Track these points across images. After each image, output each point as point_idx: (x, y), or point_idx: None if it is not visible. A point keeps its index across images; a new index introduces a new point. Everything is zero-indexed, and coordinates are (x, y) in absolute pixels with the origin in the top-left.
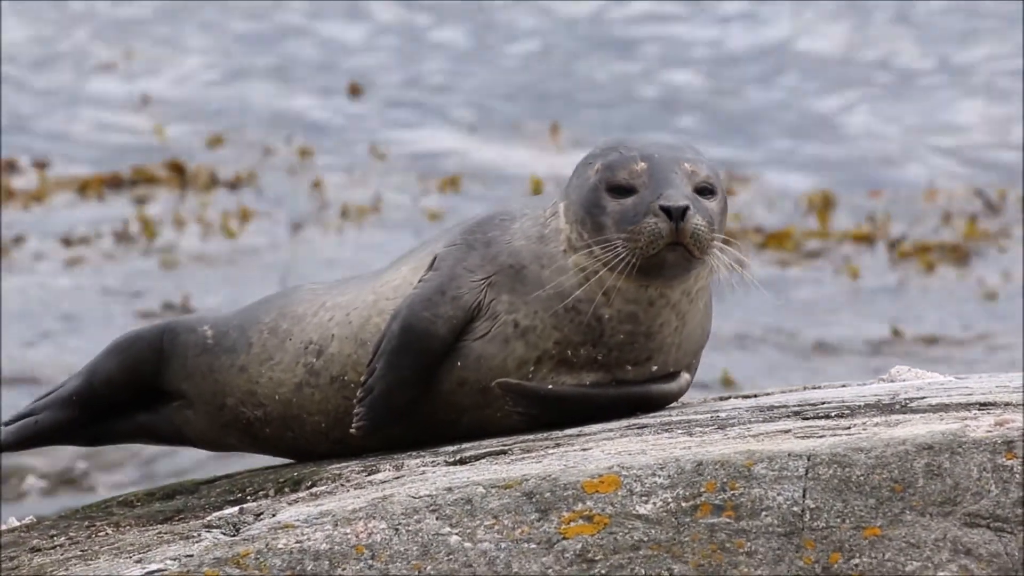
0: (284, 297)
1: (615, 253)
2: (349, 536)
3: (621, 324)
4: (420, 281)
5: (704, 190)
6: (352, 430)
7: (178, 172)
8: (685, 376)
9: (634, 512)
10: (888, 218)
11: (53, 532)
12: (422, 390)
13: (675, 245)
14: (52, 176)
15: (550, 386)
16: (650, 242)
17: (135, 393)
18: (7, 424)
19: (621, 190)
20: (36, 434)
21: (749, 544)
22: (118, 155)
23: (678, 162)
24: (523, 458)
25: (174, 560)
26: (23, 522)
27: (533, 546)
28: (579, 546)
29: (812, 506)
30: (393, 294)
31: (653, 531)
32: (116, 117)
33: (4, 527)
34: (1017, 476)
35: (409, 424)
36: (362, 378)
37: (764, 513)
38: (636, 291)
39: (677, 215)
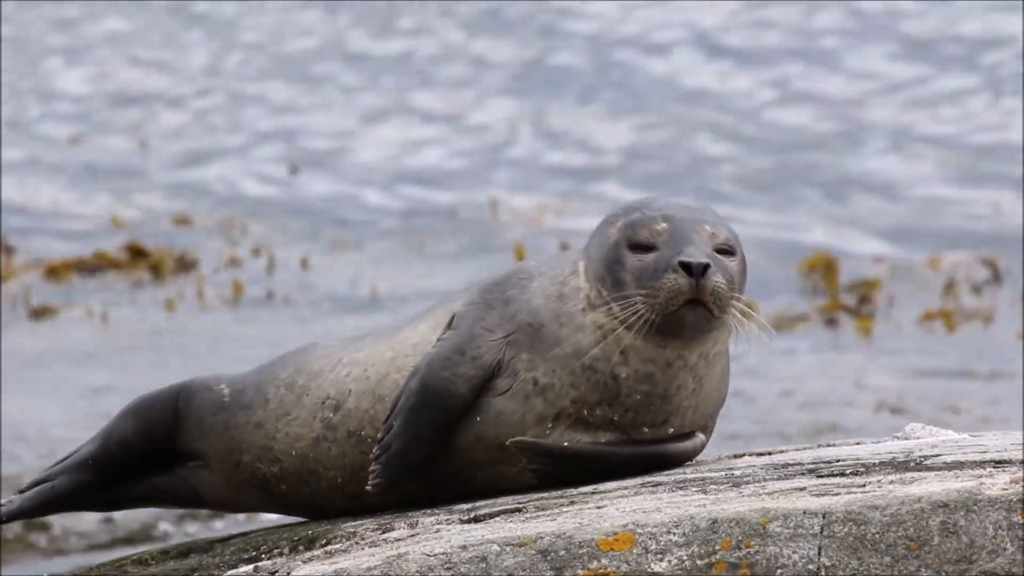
0: (300, 354)
1: (634, 310)
2: None
3: (638, 384)
4: (439, 340)
5: (724, 251)
6: (368, 487)
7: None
8: (701, 436)
9: (649, 570)
10: None
11: None
12: (439, 447)
13: (694, 304)
14: None
15: (566, 443)
16: (670, 298)
17: (151, 455)
18: (23, 491)
19: (642, 248)
20: (53, 499)
21: None
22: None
23: (699, 223)
24: (538, 516)
25: None
26: None
27: None
28: None
29: (828, 564)
30: (412, 351)
31: None
32: None
33: None
34: None
35: (425, 481)
36: (379, 435)
37: (780, 571)
38: (653, 351)
39: (698, 271)
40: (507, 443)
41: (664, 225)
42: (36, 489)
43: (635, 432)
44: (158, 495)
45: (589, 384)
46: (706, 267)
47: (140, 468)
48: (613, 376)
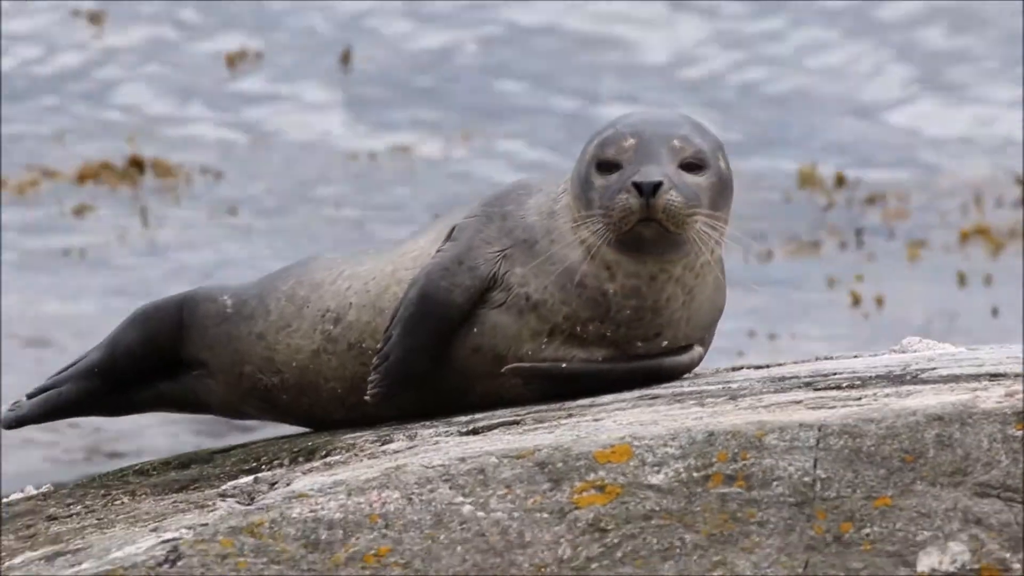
0: (302, 266)
1: (593, 229)
2: (363, 505)
3: (626, 299)
4: (438, 251)
5: (691, 166)
6: (367, 397)
7: None
8: (698, 349)
9: (646, 482)
10: None
11: (70, 501)
12: (437, 357)
13: (648, 221)
14: None
15: (563, 365)
16: (622, 217)
17: (156, 363)
18: (30, 396)
19: (609, 166)
20: (60, 406)
21: (760, 514)
22: None
23: (668, 138)
24: (536, 428)
25: (189, 529)
26: (40, 490)
27: (545, 515)
28: (591, 516)
29: (823, 476)
30: (412, 264)
31: (665, 501)
32: None
33: (21, 495)
34: None
35: (422, 392)
36: (378, 345)
37: (775, 483)
38: (635, 265)
39: (648, 191)
40: (503, 370)
41: (632, 141)
42: (43, 396)
43: (629, 347)
44: (163, 402)
45: (580, 300)
46: (657, 186)
47: (146, 375)
48: (602, 292)
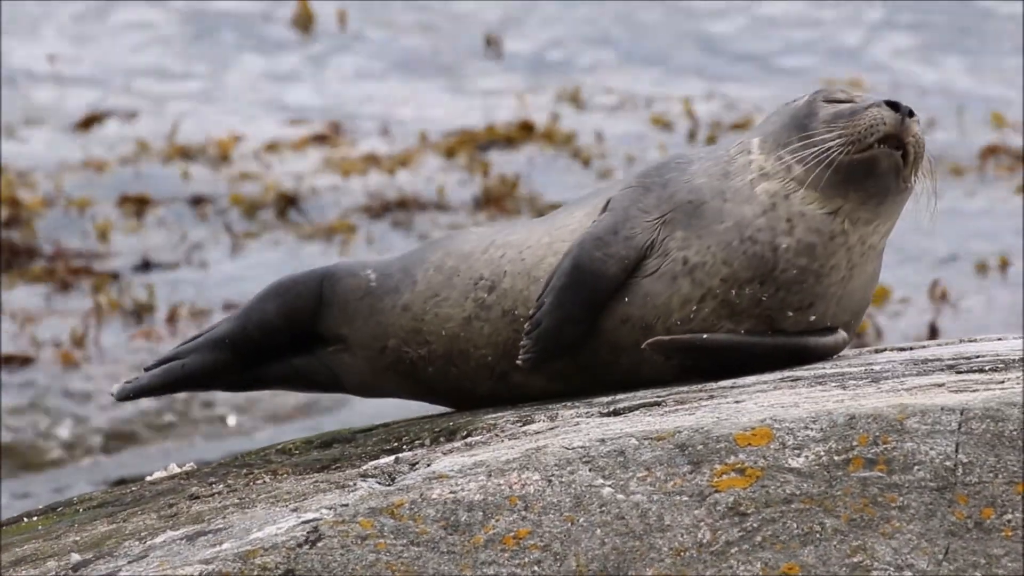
0: (448, 239)
1: (825, 147)
2: (503, 487)
3: (796, 257)
4: (593, 223)
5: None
6: (519, 361)
7: None
8: (842, 333)
9: (786, 465)
10: None
11: (212, 479)
12: (589, 327)
13: (892, 147)
14: None
15: (705, 336)
16: (870, 126)
17: (290, 337)
18: (149, 368)
19: (838, 103)
20: (183, 377)
21: (901, 499)
22: None
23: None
24: (676, 410)
25: (330, 509)
26: (183, 468)
27: (685, 499)
28: (731, 499)
29: (965, 460)
30: (569, 236)
31: (805, 485)
32: None
33: (164, 473)
34: None
35: (571, 362)
36: (531, 312)
37: (916, 467)
38: (822, 220)
39: (905, 111)
40: (643, 345)
41: (859, 93)
42: (165, 367)
43: (780, 316)
44: (296, 378)
45: (745, 258)
46: (912, 112)
47: (278, 349)
48: (773, 247)
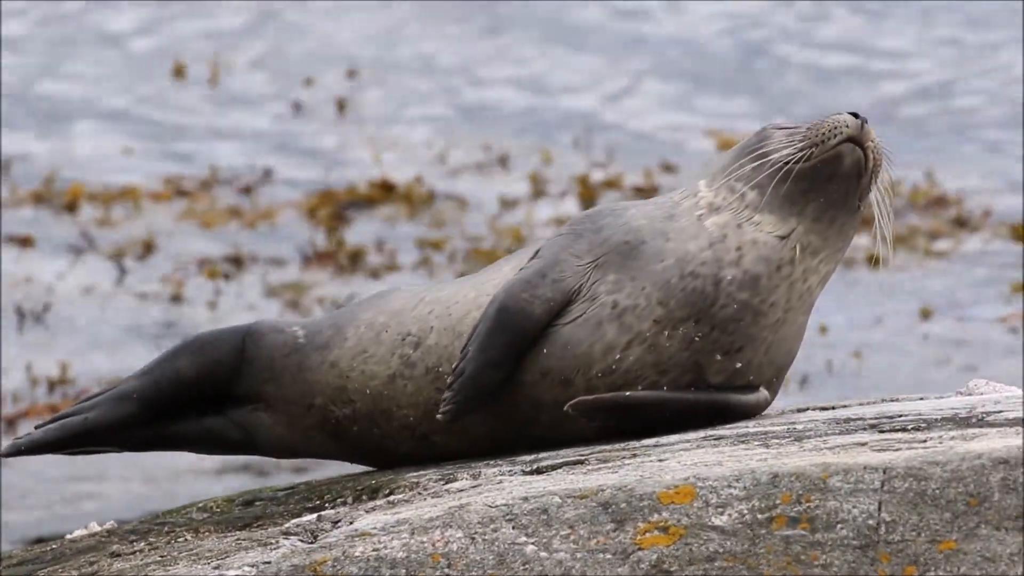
0: (381, 296)
1: (783, 157)
2: (426, 544)
3: (739, 291)
4: (521, 268)
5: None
6: (439, 415)
7: None
8: (764, 392)
9: (710, 523)
10: None
11: (133, 537)
12: (510, 374)
13: (855, 146)
14: None
15: (628, 393)
16: (833, 127)
17: (204, 395)
18: (41, 426)
19: (789, 128)
20: (84, 432)
21: (824, 557)
22: None
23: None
24: (600, 468)
25: (252, 567)
26: (104, 527)
27: (609, 556)
28: (655, 556)
29: (888, 519)
30: (494, 290)
31: (729, 543)
32: None
33: (85, 532)
34: None
35: (491, 418)
36: (454, 365)
37: (839, 526)
38: (772, 247)
39: (863, 117)
40: (565, 408)
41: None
42: (61, 421)
43: (707, 360)
44: (207, 439)
45: (683, 295)
46: (865, 121)
47: (187, 408)
48: (715, 281)
